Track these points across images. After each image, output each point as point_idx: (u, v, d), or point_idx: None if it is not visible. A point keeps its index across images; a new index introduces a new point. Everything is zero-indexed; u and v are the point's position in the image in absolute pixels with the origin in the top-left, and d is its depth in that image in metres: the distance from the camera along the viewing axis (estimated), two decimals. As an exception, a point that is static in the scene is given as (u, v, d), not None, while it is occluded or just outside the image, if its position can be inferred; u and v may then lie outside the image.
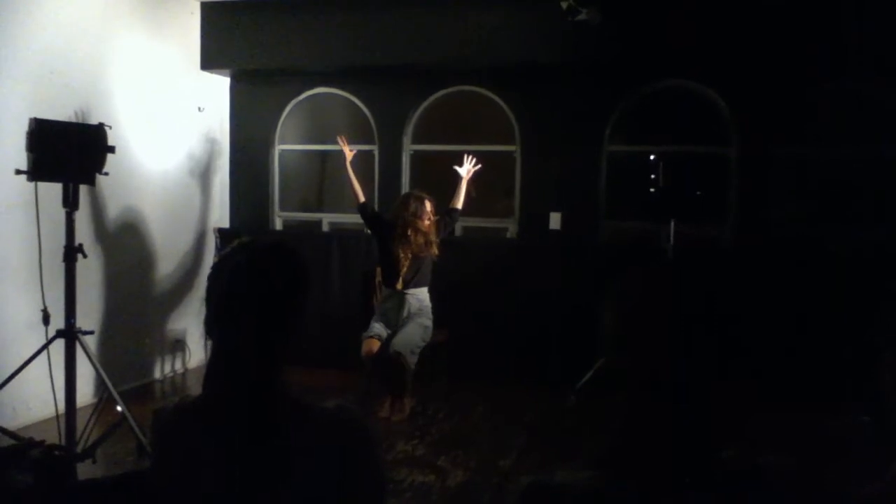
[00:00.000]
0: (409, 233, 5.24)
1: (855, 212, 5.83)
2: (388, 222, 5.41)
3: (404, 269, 5.28)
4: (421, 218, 5.24)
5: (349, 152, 5.67)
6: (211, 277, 1.47)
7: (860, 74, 5.61)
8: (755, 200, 5.94)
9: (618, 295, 1.23)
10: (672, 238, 5.48)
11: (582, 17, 5.29)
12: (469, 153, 5.66)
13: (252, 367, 1.42)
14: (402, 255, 5.26)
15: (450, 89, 6.55)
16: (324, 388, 5.50)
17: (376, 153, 6.74)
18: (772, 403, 4.97)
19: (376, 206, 6.73)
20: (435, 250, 5.33)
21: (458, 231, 6.45)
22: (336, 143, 5.86)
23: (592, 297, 1.31)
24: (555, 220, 6.28)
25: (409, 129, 6.68)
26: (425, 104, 6.64)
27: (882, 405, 1.15)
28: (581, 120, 6.21)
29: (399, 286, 5.30)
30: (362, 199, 5.58)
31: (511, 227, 6.48)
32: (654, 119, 6.18)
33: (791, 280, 5.48)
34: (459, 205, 5.55)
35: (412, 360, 5.13)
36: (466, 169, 5.59)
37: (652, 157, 6.26)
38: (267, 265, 1.46)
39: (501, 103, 6.43)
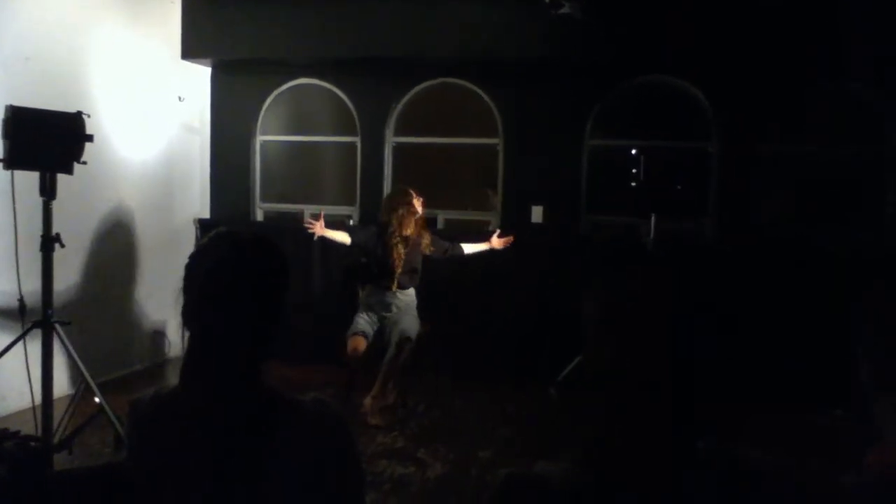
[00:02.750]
0: (399, 231, 5.11)
1: (837, 210, 5.89)
2: (378, 230, 5.24)
3: (399, 271, 5.13)
4: (413, 213, 5.14)
5: (319, 229, 5.19)
6: (189, 267, 1.46)
7: (843, 73, 5.65)
8: (736, 196, 5.98)
9: (604, 291, 1.23)
10: (653, 233, 5.51)
11: (565, 10, 5.29)
12: (510, 234, 5.44)
13: (234, 359, 1.41)
14: (395, 255, 5.11)
15: (433, 81, 6.54)
16: (304, 381, 5.49)
17: (358, 145, 6.71)
18: (752, 400, 5.02)
19: (357, 198, 6.73)
20: (427, 241, 5.24)
21: (440, 224, 6.45)
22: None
23: (574, 291, 1.31)
24: (537, 214, 6.29)
25: (392, 121, 6.66)
26: (408, 96, 6.62)
27: (860, 398, 1.16)
28: (563, 114, 6.23)
29: (393, 287, 5.16)
30: (348, 239, 5.26)
31: (493, 220, 6.49)
32: (635, 114, 6.20)
33: (771, 276, 5.52)
34: (466, 252, 5.40)
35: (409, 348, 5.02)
36: (499, 241, 5.42)
37: (633, 151, 6.29)
38: (252, 256, 1.46)
39: (485, 96, 6.42)
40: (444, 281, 5.82)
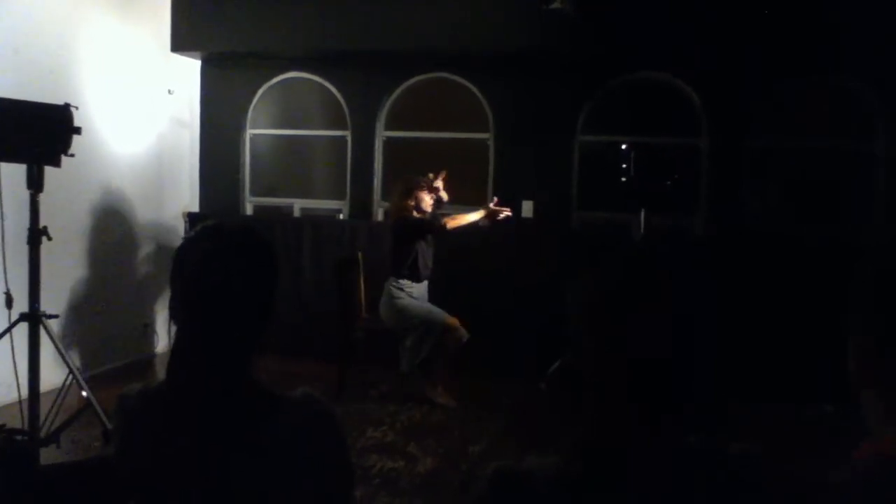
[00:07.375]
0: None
1: (827, 206, 5.91)
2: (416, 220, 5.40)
3: (430, 260, 5.45)
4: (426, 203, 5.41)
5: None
6: (176, 261, 1.44)
7: (835, 69, 5.67)
8: (726, 192, 5.99)
9: (588, 285, 1.23)
10: (643, 228, 5.52)
11: (556, 5, 5.28)
12: (503, 206, 5.52)
13: (221, 353, 1.40)
14: (426, 245, 5.43)
15: (424, 76, 6.52)
16: (293, 375, 5.46)
17: (349, 139, 6.69)
18: (743, 396, 5.04)
19: (347, 192, 6.71)
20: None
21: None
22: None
23: (564, 286, 1.31)
24: (527, 209, 6.29)
25: (382, 116, 6.64)
26: (399, 90, 6.60)
27: (851, 394, 1.16)
28: (554, 109, 6.22)
29: (427, 277, 5.45)
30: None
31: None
32: (626, 110, 6.20)
33: (762, 272, 5.53)
34: (451, 226, 5.41)
35: None
36: (493, 211, 5.49)
37: (624, 147, 6.29)
38: (239, 249, 1.44)
39: (475, 91, 6.41)
40: (433, 274, 5.82)
